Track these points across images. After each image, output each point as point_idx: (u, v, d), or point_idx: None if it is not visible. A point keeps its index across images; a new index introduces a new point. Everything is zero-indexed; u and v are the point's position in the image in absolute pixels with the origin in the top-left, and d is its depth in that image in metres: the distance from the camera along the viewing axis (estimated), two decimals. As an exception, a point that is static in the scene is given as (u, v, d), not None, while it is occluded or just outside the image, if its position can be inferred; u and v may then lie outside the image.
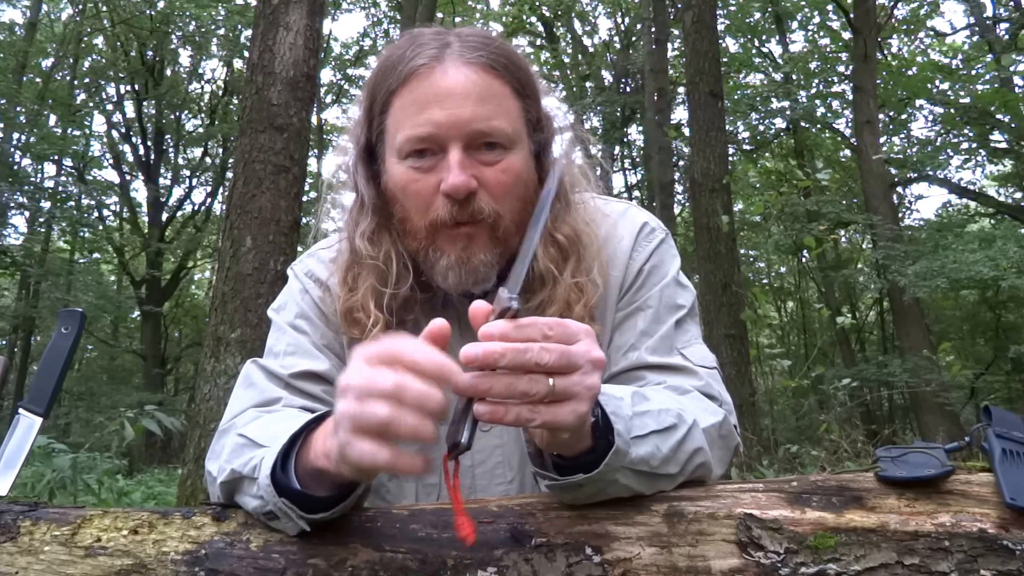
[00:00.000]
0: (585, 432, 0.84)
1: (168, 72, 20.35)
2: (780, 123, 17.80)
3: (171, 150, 21.23)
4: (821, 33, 18.15)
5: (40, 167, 19.04)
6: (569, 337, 0.77)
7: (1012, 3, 15.28)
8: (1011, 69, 13.33)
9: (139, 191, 21.19)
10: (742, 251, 17.19)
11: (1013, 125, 13.19)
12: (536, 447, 0.88)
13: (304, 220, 5.40)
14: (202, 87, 21.89)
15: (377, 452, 0.73)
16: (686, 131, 11.14)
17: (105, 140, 20.78)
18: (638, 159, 21.96)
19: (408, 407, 0.71)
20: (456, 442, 0.76)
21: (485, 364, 0.73)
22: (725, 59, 15.60)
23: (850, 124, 16.07)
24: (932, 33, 18.61)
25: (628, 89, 19.95)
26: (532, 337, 0.75)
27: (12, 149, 16.56)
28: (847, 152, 18.21)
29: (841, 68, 16.50)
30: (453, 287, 1.09)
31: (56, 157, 18.37)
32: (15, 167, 16.76)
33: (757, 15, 17.74)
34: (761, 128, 18.07)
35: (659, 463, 0.89)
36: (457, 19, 19.39)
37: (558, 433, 0.81)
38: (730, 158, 10.76)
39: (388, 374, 0.72)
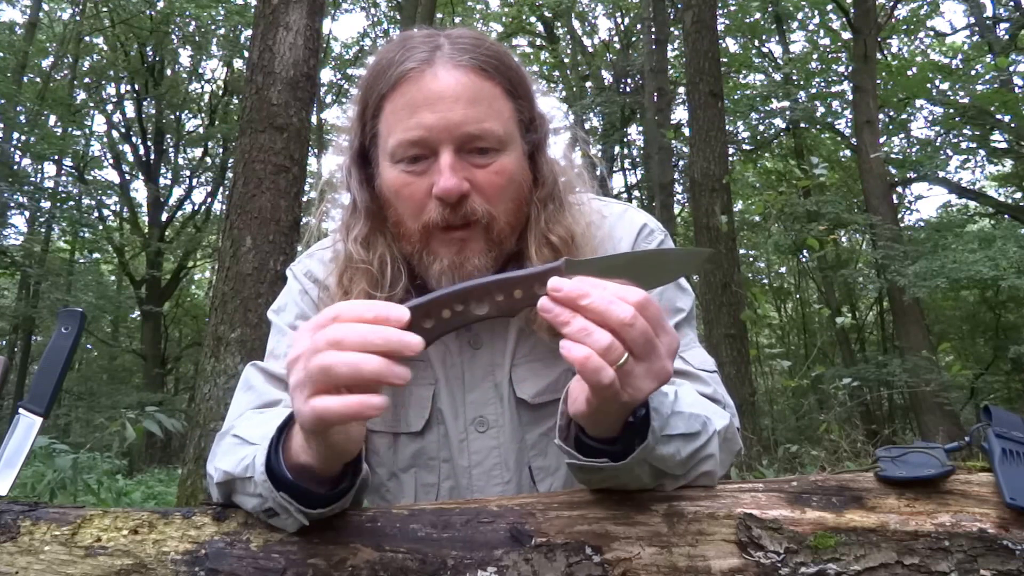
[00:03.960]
0: (619, 421, 0.85)
1: (168, 72, 20.35)
2: (780, 123, 17.82)
3: (171, 150, 21.24)
4: (821, 33, 18.16)
5: (40, 167, 19.08)
6: (661, 331, 0.78)
7: (1012, 3, 15.29)
8: (1011, 69, 13.33)
9: (139, 191, 21.24)
10: (742, 251, 17.21)
11: (1013, 125, 13.19)
12: (568, 419, 0.89)
13: (304, 220, 5.40)
14: (202, 87, 21.94)
15: (336, 402, 0.74)
16: (686, 131, 11.13)
17: (105, 140, 20.79)
18: (638, 159, 21.97)
19: (351, 349, 0.74)
20: None
21: (567, 298, 0.75)
22: (725, 59, 15.60)
23: (850, 124, 16.08)
24: (932, 33, 18.63)
25: (628, 89, 19.95)
26: (629, 299, 0.75)
27: (12, 149, 16.56)
28: (847, 152, 18.22)
29: (841, 68, 16.50)
30: None
31: (56, 157, 18.38)
32: (15, 167, 16.76)
33: (757, 15, 17.74)
34: (761, 128, 18.08)
35: (674, 465, 0.90)
36: (457, 19, 19.39)
37: (601, 407, 0.81)
38: (730, 158, 10.75)
39: (329, 329, 0.75)
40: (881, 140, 14.05)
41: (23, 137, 16.87)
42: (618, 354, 0.74)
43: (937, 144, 15.54)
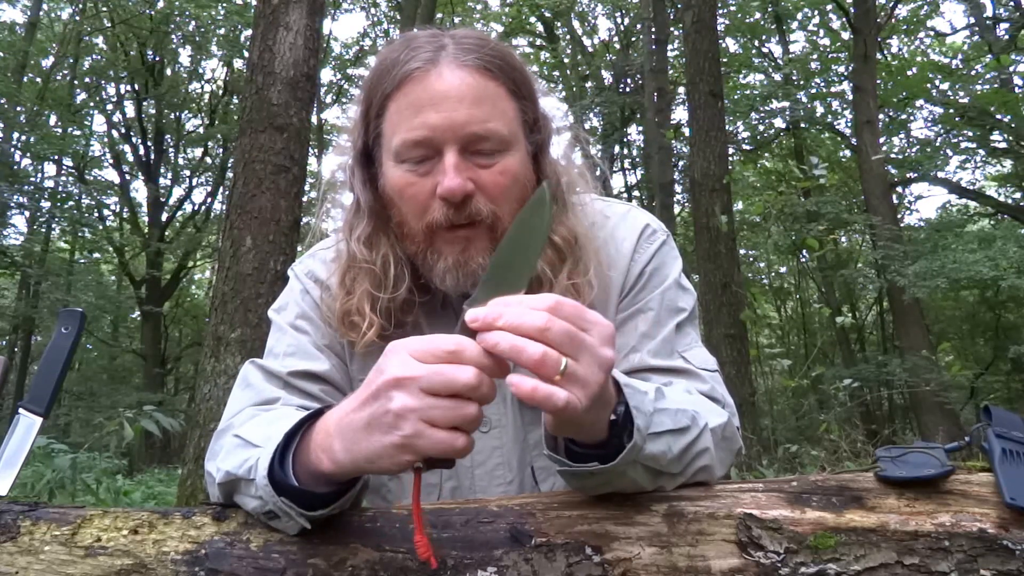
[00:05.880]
0: (602, 423, 0.84)
1: (168, 72, 20.35)
2: (780, 123, 17.83)
3: (171, 150, 21.23)
4: (821, 33, 18.16)
5: (40, 167, 19.05)
6: (584, 324, 0.77)
7: (1012, 3, 15.28)
8: (1011, 69, 13.33)
9: (139, 191, 21.23)
10: (742, 251, 17.20)
11: (1013, 125, 13.18)
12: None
13: (304, 220, 5.40)
14: (202, 87, 21.93)
15: (456, 439, 0.75)
16: (686, 131, 11.14)
17: (105, 140, 20.78)
18: (638, 159, 21.97)
19: (482, 398, 0.76)
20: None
21: (484, 323, 0.75)
22: (725, 59, 15.60)
23: (850, 124, 16.07)
24: (932, 33, 18.62)
25: (628, 89, 19.95)
26: (539, 306, 0.75)
27: (12, 149, 16.56)
28: (847, 152, 18.22)
29: (841, 68, 16.50)
30: (451, 289, 1.09)
31: (56, 157, 18.37)
32: (15, 167, 16.76)
33: (757, 15, 17.74)
34: (761, 128, 18.08)
35: (668, 462, 0.90)
36: (456, 19, 19.38)
37: (564, 420, 0.81)
38: (730, 158, 10.76)
39: (465, 369, 0.75)
40: (881, 140, 14.04)
41: (23, 137, 16.87)
42: (555, 361, 0.74)
43: (937, 144, 15.54)
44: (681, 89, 16.71)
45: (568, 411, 0.75)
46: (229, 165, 17.68)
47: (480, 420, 0.77)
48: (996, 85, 13.56)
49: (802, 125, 17.24)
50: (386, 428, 0.76)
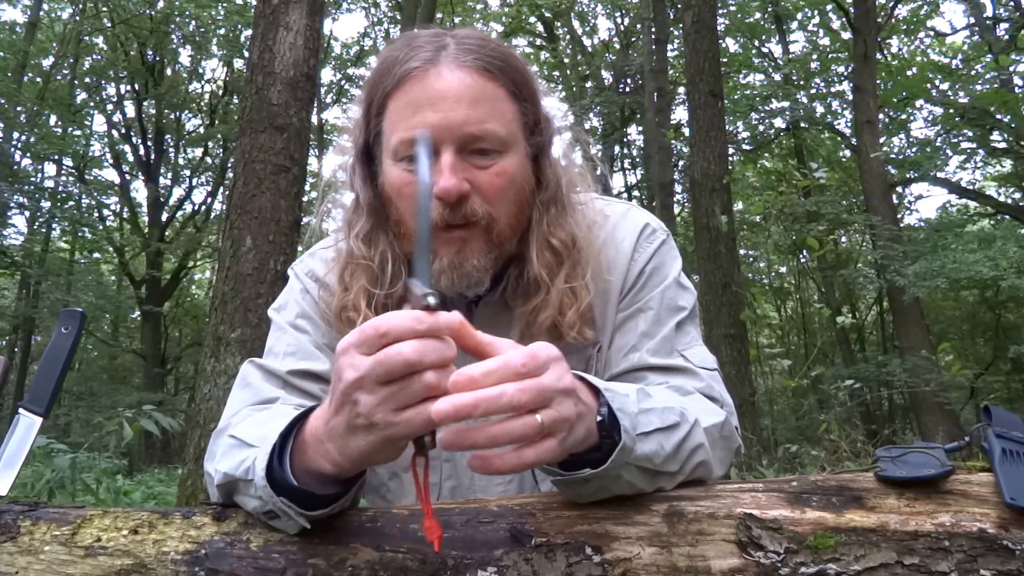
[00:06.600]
0: (591, 430, 0.84)
1: (168, 72, 20.35)
2: (780, 123, 17.83)
3: (171, 150, 21.24)
4: (821, 33, 18.17)
5: (40, 167, 19.05)
6: (540, 369, 0.76)
7: (1012, 3, 15.28)
8: (1011, 69, 13.33)
9: (139, 191, 21.24)
10: (742, 251, 17.20)
11: (1013, 125, 13.18)
12: None
13: (304, 220, 5.40)
14: (202, 87, 21.93)
15: (430, 409, 0.72)
16: (686, 131, 11.14)
17: (105, 140, 20.78)
18: (638, 159, 21.98)
19: (435, 362, 0.72)
20: (421, 439, 0.77)
21: (459, 417, 0.72)
22: (725, 59, 15.60)
23: (850, 124, 16.08)
24: (932, 33, 18.63)
25: (628, 89, 19.95)
26: (504, 379, 0.74)
27: (12, 149, 16.56)
28: (847, 152, 18.23)
29: (841, 68, 16.50)
30: (447, 290, 1.09)
31: (56, 157, 18.38)
32: (15, 167, 16.76)
33: (757, 15, 17.74)
34: (761, 128, 18.08)
35: (662, 461, 0.89)
36: (457, 19, 19.39)
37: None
38: (730, 158, 10.76)
39: (400, 347, 0.72)
40: (881, 140, 14.05)
41: (23, 137, 16.87)
42: (533, 427, 0.74)
43: (937, 144, 15.53)
44: (681, 89, 16.72)
45: (548, 460, 0.77)
46: (229, 165, 17.69)
47: (444, 384, 0.73)
48: (996, 85, 13.55)
49: (802, 125, 17.25)
50: (364, 429, 0.76)
